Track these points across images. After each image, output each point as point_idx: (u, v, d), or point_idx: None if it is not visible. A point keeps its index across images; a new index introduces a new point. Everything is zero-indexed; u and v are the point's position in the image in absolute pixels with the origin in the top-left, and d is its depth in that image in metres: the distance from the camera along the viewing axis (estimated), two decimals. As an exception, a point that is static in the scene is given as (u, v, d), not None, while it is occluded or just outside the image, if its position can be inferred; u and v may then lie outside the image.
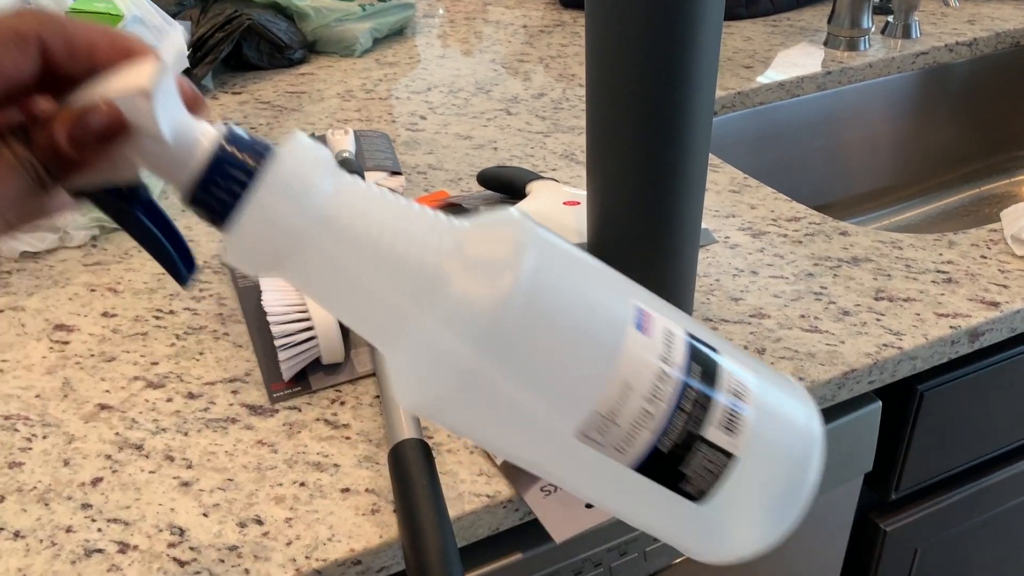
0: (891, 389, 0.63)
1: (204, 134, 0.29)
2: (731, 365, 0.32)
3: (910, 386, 0.64)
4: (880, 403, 0.62)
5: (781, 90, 0.97)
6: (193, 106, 0.30)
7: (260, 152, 0.29)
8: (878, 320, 0.60)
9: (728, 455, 0.30)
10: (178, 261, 0.32)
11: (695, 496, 0.30)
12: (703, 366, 0.31)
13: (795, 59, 1.02)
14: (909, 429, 0.65)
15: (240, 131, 0.30)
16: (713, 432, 0.30)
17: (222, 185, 0.28)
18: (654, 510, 0.31)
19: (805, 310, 0.61)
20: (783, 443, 0.32)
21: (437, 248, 0.29)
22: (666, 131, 0.52)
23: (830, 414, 0.60)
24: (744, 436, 0.30)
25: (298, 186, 0.28)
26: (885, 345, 0.58)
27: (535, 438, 0.30)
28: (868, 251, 0.68)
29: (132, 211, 0.31)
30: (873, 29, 1.04)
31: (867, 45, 1.03)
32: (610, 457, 0.30)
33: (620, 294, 0.31)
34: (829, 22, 1.04)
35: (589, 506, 0.47)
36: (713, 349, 0.32)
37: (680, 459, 0.30)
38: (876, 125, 1.07)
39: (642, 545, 0.55)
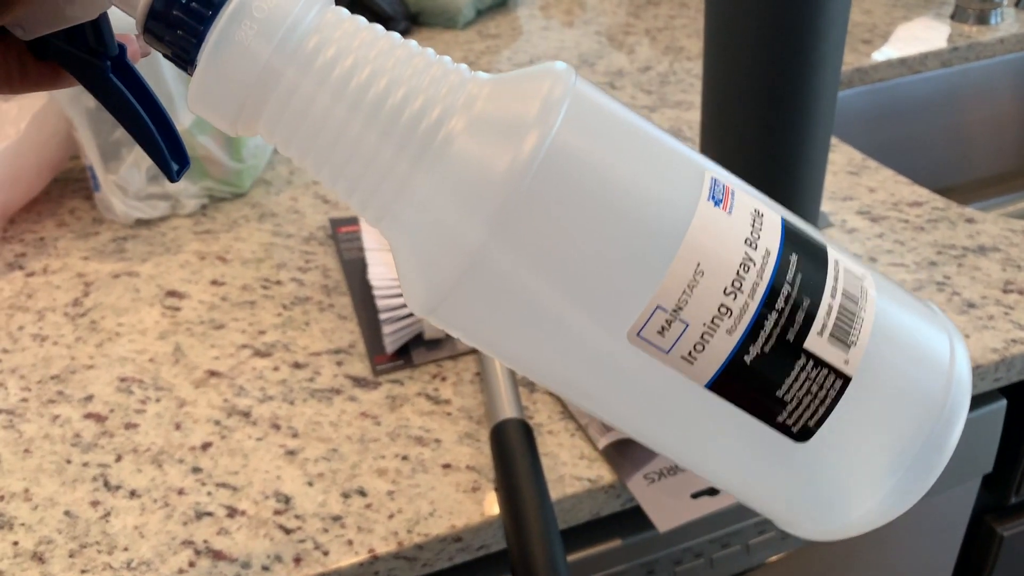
0: (1017, 386, 0.59)
1: None
2: (843, 262, 0.24)
3: (1038, 385, 0.60)
4: (1005, 401, 0.58)
5: (903, 67, 0.92)
6: None
7: None
8: (1006, 314, 0.56)
9: (840, 374, 0.23)
10: (163, 147, 0.28)
11: (796, 432, 0.23)
12: (805, 258, 0.23)
13: (918, 33, 0.96)
14: (1035, 430, 0.62)
15: None
16: (818, 342, 0.23)
17: (183, 9, 0.23)
18: (735, 455, 0.24)
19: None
20: (913, 371, 0.24)
21: (445, 100, 0.24)
22: (790, 105, 0.49)
23: (950, 411, 0.57)
24: (860, 352, 0.23)
25: (275, 16, 0.23)
26: (1014, 341, 0.54)
27: (572, 344, 0.23)
28: (996, 240, 0.64)
29: (103, 70, 0.27)
30: (1006, 2, 0.97)
31: (999, 19, 0.97)
32: (674, 369, 0.22)
33: (691, 164, 0.24)
34: (957, -6, 0.98)
35: (695, 496, 0.45)
36: (819, 242, 0.24)
37: (775, 376, 0.22)
38: (1004, 105, 1.00)
39: (745, 538, 0.53)
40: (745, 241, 0.23)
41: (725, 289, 0.22)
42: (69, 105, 0.66)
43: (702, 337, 0.22)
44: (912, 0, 1.06)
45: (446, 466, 0.48)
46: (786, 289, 0.23)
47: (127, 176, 0.68)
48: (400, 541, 0.44)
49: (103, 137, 0.68)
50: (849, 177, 0.72)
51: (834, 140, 0.78)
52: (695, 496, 0.46)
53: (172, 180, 0.29)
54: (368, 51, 0.24)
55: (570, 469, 0.47)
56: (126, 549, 0.44)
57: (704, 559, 0.53)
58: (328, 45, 0.24)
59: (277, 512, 0.46)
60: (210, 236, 0.69)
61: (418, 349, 0.55)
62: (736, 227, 0.23)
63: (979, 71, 0.96)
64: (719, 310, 0.22)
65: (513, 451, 0.46)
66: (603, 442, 0.48)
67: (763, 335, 0.22)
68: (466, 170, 0.23)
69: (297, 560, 0.43)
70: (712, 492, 0.46)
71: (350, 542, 0.44)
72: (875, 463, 0.24)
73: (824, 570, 0.61)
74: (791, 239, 0.24)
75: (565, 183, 0.22)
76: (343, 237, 0.66)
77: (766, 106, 0.49)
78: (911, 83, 0.93)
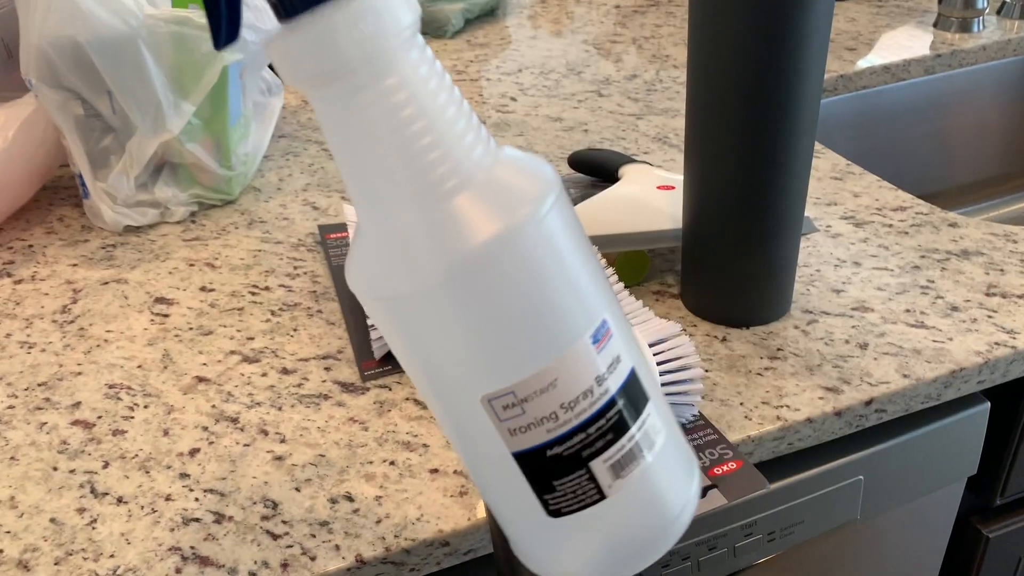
0: (1000, 389, 0.60)
1: None
2: (652, 417, 0.31)
3: (1021, 386, 0.60)
4: (989, 404, 0.59)
5: (886, 74, 0.93)
6: None
7: None
8: (989, 317, 0.57)
9: (601, 493, 0.30)
10: (224, 15, 0.29)
11: (550, 511, 0.31)
12: (627, 406, 0.30)
13: (902, 41, 0.97)
14: (1018, 431, 0.62)
15: None
16: (601, 467, 0.30)
17: None
18: (508, 498, 0.32)
19: (911, 304, 0.58)
20: (651, 513, 0.32)
21: (463, 153, 0.28)
22: (773, 112, 0.50)
23: (935, 413, 0.57)
24: (623, 486, 0.30)
25: (383, 11, 0.26)
26: (997, 344, 0.55)
27: (446, 379, 0.30)
28: (979, 244, 0.64)
29: None
30: (988, 9, 0.98)
31: (981, 26, 0.98)
32: (500, 433, 0.30)
33: (598, 298, 0.30)
34: (940, 2, 0.99)
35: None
36: (646, 396, 0.31)
37: (558, 472, 0.30)
38: (986, 111, 1.01)
39: (732, 541, 0.53)
40: (596, 378, 0.29)
41: (563, 404, 0.29)
42: (57, 113, 0.66)
43: (529, 425, 0.29)
44: (896, 8, 1.07)
45: (434, 471, 0.48)
46: (601, 423, 0.30)
47: (116, 183, 0.68)
48: (387, 546, 0.44)
49: (92, 144, 0.68)
50: (833, 182, 0.73)
51: (819, 146, 0.79)
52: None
53: (217, 47, 0.30)
54: (427, 103, 0.28)
55: (557, 473, 0.48)
56: (112, 556, 0.44)
57: (691, 562, 0.53)
58: (401, 90, 0.27)
59: (264, 518, 0.46)
60: (199, 243, 0.69)
61: (406, 355, 0.56)
62: (596, 365, 0.29)
63: (962, 78, 0.97)
64: (551, 415, 0.29)
65: (500, 455, 0.46)
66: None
67: (567, 444, 0.30)
68: (453, 219, 0.28)
69: (284, 566, 0.43)
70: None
71: (337, 547, 0.44)
72: (595, 545, 0.32)
73: (811, 573, 0.61)
74: (627, 389, 0.31)
75: (508, 276, 0.28)
76: (332, 243, 0.66)
77: (749, 112, 0.50)
78: (895, 90, 0.94)
